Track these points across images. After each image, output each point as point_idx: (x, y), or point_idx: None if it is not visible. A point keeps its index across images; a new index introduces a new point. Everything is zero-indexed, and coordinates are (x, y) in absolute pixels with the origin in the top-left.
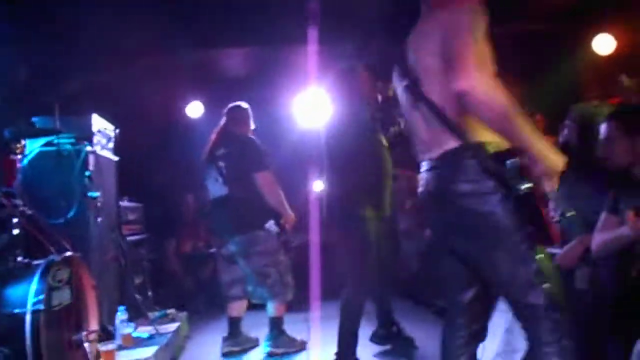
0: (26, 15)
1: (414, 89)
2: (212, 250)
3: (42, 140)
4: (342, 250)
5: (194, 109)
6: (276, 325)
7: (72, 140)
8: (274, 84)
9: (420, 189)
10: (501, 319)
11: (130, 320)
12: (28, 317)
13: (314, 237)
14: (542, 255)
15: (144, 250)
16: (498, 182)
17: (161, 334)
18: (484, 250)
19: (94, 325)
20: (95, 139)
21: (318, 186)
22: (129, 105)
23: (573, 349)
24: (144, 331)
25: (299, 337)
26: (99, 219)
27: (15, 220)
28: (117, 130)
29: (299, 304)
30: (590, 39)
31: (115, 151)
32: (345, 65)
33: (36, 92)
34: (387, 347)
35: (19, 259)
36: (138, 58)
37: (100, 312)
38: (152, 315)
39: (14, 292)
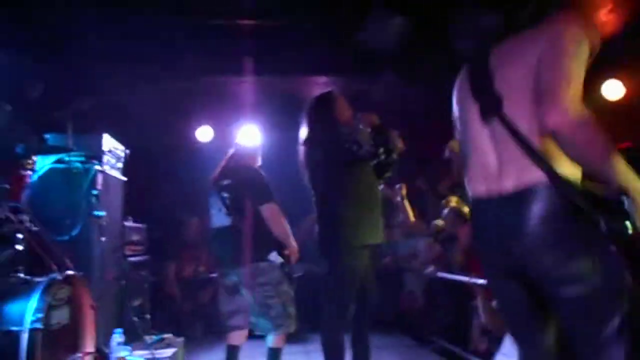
0: (42, 33)
1: (493, 111)
2: (213, 275)
3: (53, 157)
4: (325, 280)
5: (204, 133)
6: (275, 357)
7: (82, 159)
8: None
9: (477, 224)
10: None
11: (126, 343)
12: (25, 336)
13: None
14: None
15: (144, 271)
16: (595, 223)
17: (157, 359)
18: (572, 304)
19: (90, 346)
20: (105, 158)
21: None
22: (140, 126)
23: None
24: (139, 355)
25: None
26: (103, 239)
27: (19, 235)
28: (128, 151)
29: (297, 335)
30: (600, 85)
31: (124, 171)
32: (321, 92)
33: (50, 108)
34: None
35: (20, 275)
36: (152, 81)
37: (98, 333)
38: (149, 339)
39: (11, 309)
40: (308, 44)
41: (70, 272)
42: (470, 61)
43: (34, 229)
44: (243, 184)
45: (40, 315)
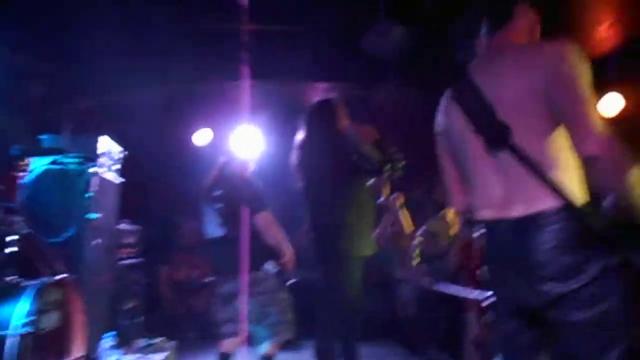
0: (42, 34)
1: (502, 143)
2: (206, 280)
3: (48, 159)
4: (319, 288)
5: (202, 137)
6: None
7: (78, 160)
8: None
9: (487, 249)
10: None
11: (118, 346)
12: (15, 340)
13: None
14: None
15: (138, 274)
16: (611, 254)
17: None
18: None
19: (79, 350)
20: (101, 160)
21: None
22: (137, 128)
23: None
24: (130, 359)
25: None
26: (97, 241)
27: (11, 237)
28: (125, 153)
29: (290, 342)
30: (598, 99)
31: (121, 173)
32: (321, 99)
33: (47, 109)
34: None
35: (10, 278)
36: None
37: (88, 337)
38: (141, 342)
39: (0, 312)
40: (309, 49)
41: (61, 275)
42: (453, 83)
43: (26, 231)
44: (236, 194)
45: (30, 319)
